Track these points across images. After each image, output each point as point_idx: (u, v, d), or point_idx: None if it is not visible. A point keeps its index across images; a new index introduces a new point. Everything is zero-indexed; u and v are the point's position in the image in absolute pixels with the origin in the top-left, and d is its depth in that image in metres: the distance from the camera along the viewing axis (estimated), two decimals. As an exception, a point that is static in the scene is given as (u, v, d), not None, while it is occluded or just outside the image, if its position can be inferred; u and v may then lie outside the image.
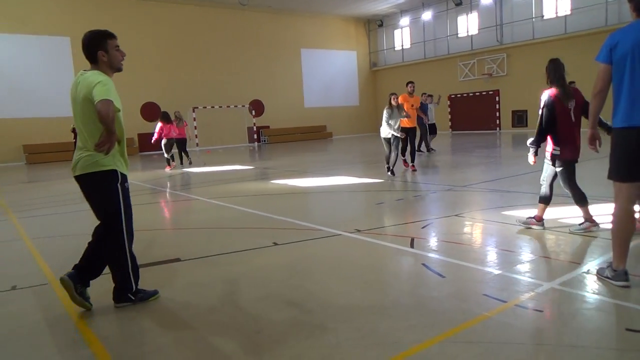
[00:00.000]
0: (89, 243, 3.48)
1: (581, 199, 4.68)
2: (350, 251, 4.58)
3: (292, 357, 2.54)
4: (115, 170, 3.32)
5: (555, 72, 4.65)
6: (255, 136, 27.15)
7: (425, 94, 16.71)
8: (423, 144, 15.44)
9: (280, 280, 3.78)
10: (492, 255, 4.24)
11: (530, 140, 4.82)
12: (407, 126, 10.31)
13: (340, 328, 2.85)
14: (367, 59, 33.60)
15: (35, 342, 2.96)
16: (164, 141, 14.34)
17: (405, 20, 30.36)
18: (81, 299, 3.34)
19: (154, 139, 14.49)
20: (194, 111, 24.72)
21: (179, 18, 25.47)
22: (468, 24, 27.40)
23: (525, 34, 24.51)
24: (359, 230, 5.24)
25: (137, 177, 12.95)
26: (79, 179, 3.35)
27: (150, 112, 24.81)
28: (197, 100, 25.37)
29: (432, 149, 15.39)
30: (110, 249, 3.40)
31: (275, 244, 4.92)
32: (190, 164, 15.17)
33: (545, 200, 4.84)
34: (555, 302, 3.11)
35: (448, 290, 3.38)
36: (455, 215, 5.81)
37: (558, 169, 4.72)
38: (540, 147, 4.79)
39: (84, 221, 7.49)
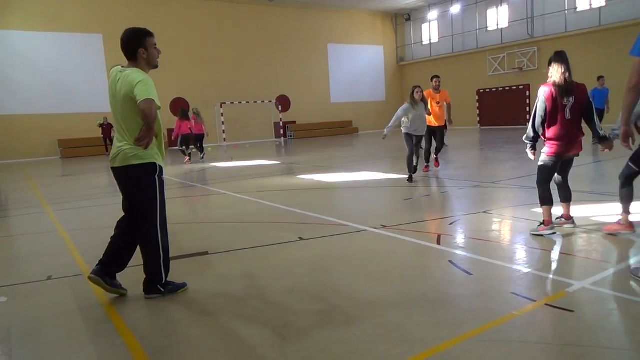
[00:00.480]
0: (112, 237, 3.60)
1: (545, 200, 4.55)
2: (376, 247, 4.57)
3: (317, 351, 2.56)
4: (154, 163, 3.45)
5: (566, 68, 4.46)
6: (282, 131, 27.27)
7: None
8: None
9: (306, 275, 3.81)
10: (520, 253, 4.16)
11: (524, 135, 4.69)
12: (434, 125, 9.36)
13: (365, 323, 2.85)
14: (394, 54, 33.29)
15: (69, 330, 3.06)
16: (180, 137, 14.96)
17: (433, 14, 29.94)
18: (114, 289, 3.49)
19: (173, 135, 15.13)
20: (221, 107, 24.98)
21: (206, 14, 25.74)
22: (498, 17, 26.82)
23: (557, 26, 23.84)
24: (385, 226, 5.23)
25: (166, 172, 13.17)
26: (118, 170, 3.47)
27: (179, 107, 25.24)
28: (224, 96, 25.63)
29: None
30: (144, 240, 3.49)
31: (301, 238, 4.95)
32: (202, 160, 15.51)
33: (561, 199, 4.76)
34: (586, 302, 3.04)
35: (475, 288, 3.34)
36: (483, 212, 5.73)
37: (539, 162, 4.57)
38: (536, 141, 4.62)
39: (116, 214, 7.69)
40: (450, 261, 3.95)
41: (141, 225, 3.49)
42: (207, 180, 10.89)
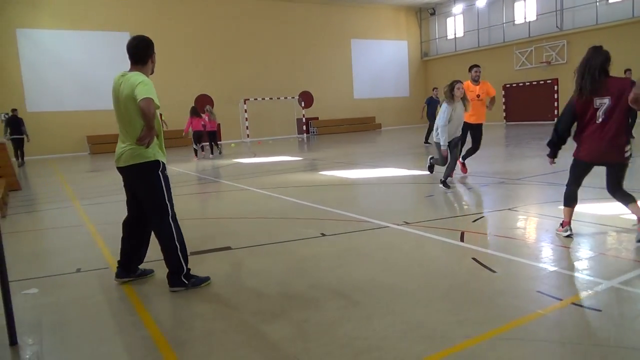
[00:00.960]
0: (123, 239, 3.81)
1: (567, 201, 4.33)
2: (399, 243, 4.55)
3: (338, 346, 2.56)
4: (158, 161, 3.61)
5: (585, 66, 4.03)
6: (305, 127, 27.33)
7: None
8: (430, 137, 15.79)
9: (328, 271, 3.81)
10: (547, 251, 4.08)
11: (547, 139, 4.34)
12: (471, 122, 8.17)
13: (387, 320, 2.84)
14: (418, 49, 32.94)
15: (97, 322, 3.14)
16: (192, 133, 15.67)
17: (458, 8, 29.49)
18: (142, 277, 3.83)
19: (184, 131, 15.98)
20: (245, 103, 25.18)
21: (230, 11, 25.92)
22: (525, 10, 26.24)
23: (587, 19, 23.19)
24: (407, 223, 5.19)
25: (189, 168, 13.38)
26: (124, 170, 3.67)
27: (203, 104, 25.52)
28: (247, 92, 25.81)
29: (429, 143, 15.51)
30: (161, 236, 3.62)
31: (323, 234, 4.95)
32: (220, 154, 16.24)
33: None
34: (615, 301, 2.96)
35: (499, 286, 3.29)
36: (508, 209, 5.64)
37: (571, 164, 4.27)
38: (557, 146, 4.33)
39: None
40: (473, 258, 3.90)
41: (155, 222, 3.63)
42: (230, 176, 11.00)
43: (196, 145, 15.86)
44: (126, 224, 3.81)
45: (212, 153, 16.41)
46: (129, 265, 3.80)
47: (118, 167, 3.69)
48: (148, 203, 3.64)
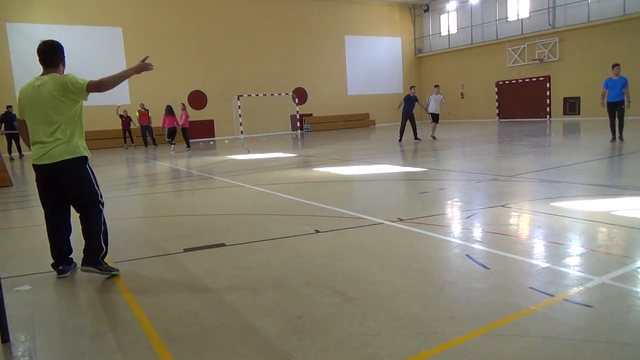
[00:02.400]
0: (56, 236, 3.98)
1: None
2: (393, 240, 4.56)
3: (333, 343, 2.58)
4: (86, 156, 3.88)
5: None
6: (298, 124, 27.30)
7: (437, 86, 16.80)
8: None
9: (322, 267, 3.82)
10: (539, 248, 4.12)
11: None
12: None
13: (381, 316, 2.86)
14: (412, 45, 32.97)
15: (90, 319, 3.13)
16: (166, 129, 17.73)
17: (452, 5, 29.53)
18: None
19: (162, 126, 18.17)
20: (238, 99, 25.09)
21: (223, 7, 25.78)
22: (518, 7, 26.32)
23: (580, 16, 23.32)
24: (401, 219, 5.21)
25: (184, 164, 13.33)
26: (53, 165, 3.74)
27: (197, 100, 25.47)
28: (241, 89, 25.72)
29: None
30: (95, 224, 3.89)
31: (317, 231, 4.96)
32: (188, 149, 17.88)
33: None
34: (606, 297, 2.99)
35: (492, 282, 3.32)
36: (501, 206, 5.67)
37: None
38: None
39: (137, 205, 7.81)
40: (467, 255, 3.93)
41: (91, 212, 3.89)
42: (223, 172, 10.97)
43: (171, 141, 17.88)
44: (57, 220, 3.97)
45: (188, 147, 18.16)
46: (69, 256, 4.03)
47: (44, 164, 3.74)
48: (83, 195, 3.87)
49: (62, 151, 3.70)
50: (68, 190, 3.85)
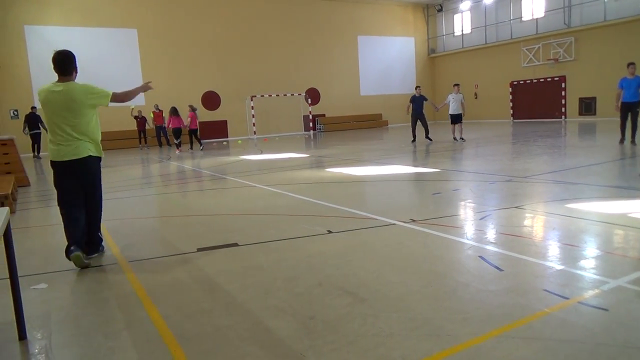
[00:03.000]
0: (78, 223, 4.32)
1: None
2: (405, 241, 4.55)
3: (345, 344, 2.58)
4: (99, 157, 4.46)
5: None
6: (311, 124, 27.32)
7: (457, 84, 16.22)
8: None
9: (334, 268, 3.82)
10: (554, 250, 4.07)
11: None
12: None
13: (393, 317, 2.85)
14: (425, 45, 32.81)
15: (105, 317, 3.17)
16: (172, 129, 18.49)
17: (465, 4, 29.31)
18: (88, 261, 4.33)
19: (167, 126, 19.51)
20: (251, 100, 25.19)
21: (236, 8, 25.92)
22: (533, 7, 26.04)
23: (596, 15, 22.99)
24: (414, 220, 5.19)
25: (198, 164, 13.43)
26: (74, 162, 4.25)
27: (211, 100, 25.65)
28: (254, 89, 25.83)
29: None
30: (98, 215, 4.54)
31: (330, 231, 4.96)
32: (201, 150, 18.51)
33: None
34: (622, 301, 2.95)
35: (506, 284, 3.29)
36: (515, 207, 5.62)
37: None
38: None
39: (151, 205, 7.89)
40: (480, 256, 3.90)
41: (98, 204, 4.52)
42: (237, 172, 11.03)
43: (176, 140, 18.56)
44: (76, 211, 4.32)
45: (191, 148, 18.87)
46: (80, 241, 4.27)
47: (65, 161, 4.23)
48: (95, 189, 4.47)
49: (84, 148, 4.26)
50: (85, 183, 4.36)
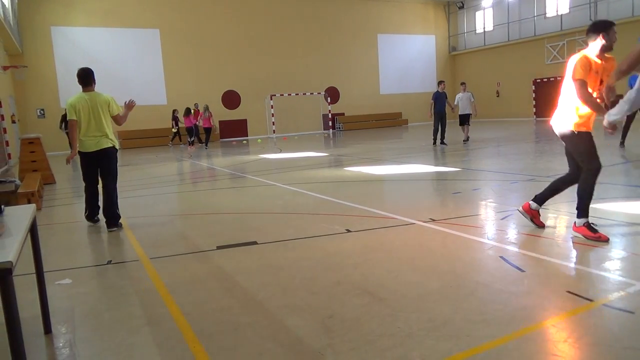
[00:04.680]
0: (94, 199, 5.90)
1: None
2: (424, 241, 4.51)
3: (363, 343, 2.57)
4: (116, 147, 5.87)
5: None
6: (330, 123, 27.30)
7: (463, 83, 15.59)
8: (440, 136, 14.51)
9: (353, 267, 3.82)
10: (577, 251, 3.99)
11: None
12: None
13: (412, 317, 2.83)
14: (446, 43, 32.46)
15: (127, 313, 3.23)
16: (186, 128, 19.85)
17: (488, 1, 28.90)
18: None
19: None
20: (271, 99, 25.31)
21: (256, 8, 26.06)
22: (558, 3, 25.53)
23: (623, 10, 22.40)
24: (433, 220, 5.15)
25: (218, 163, 13.55)
26: (99, 151, 5.67)
27: (231, 100, 25.86)
28: (274, 88, 25.94)
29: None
30: (115, 193, 5.75)
31: (348, 230, 4.96)
32: (205, 149, 19.12)
33: None
34: (649, 304, 2.88)
35: (527, 285, 3.23)
36: (538, 207, 5.51)
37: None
38: None
39: (172, 203, 8.00)
40: (501, 257, 3.84)
41: (113, 185, 5.76)
42: (256, 171, 11.10)
43: (189, 139, 19.90)
44: (95, 189, 5.88)
45: (206, 146, 19.51)
46: (97, 211, 5.94)
47: (92, 151, 5.67)
48: (112, 173, 5.79)
49: (108, 141, 5.71)
50: (104, 167, 5.76)
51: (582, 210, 4.13)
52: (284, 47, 26.76)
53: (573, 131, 4.22)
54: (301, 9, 27.16)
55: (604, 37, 4.09)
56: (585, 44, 4.36)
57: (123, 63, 23.33)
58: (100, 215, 5.88)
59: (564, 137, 4.37)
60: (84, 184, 5.88)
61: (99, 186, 5.85)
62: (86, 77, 5.66)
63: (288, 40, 26.85)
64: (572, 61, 4.18)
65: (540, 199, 4.61)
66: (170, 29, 24.06)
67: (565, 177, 4.59)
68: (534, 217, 4.64)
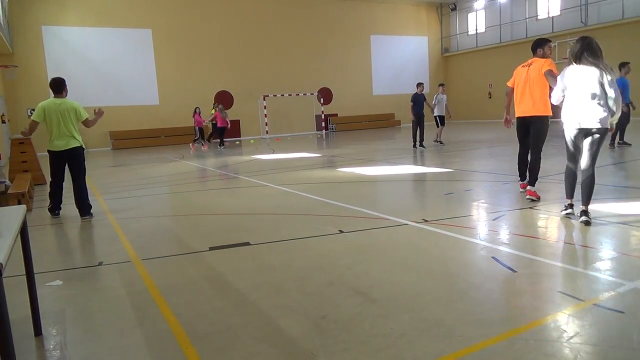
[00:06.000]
0: (58, 189, 6.72)
1: None
2: (417, 241, 4.53)
3: (356, 343, 2.57)
4: (83, 147, 6.64)
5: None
6: (323, 124, 27.29)
7: (442, 84, 15.45)
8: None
9: (346, 268, 3.82)
10: (568, 251, 4.02)
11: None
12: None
13: (405, 318, 2.84)
14: (439, 45, 32.60)
15: (118, 314, 3.21)
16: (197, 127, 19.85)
17: (480, 3, 29.07)
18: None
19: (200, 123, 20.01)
20: (264, 99, 25.27)
21: (249, 7, 26.01)
22: (549, 5, 25.72)
23: (613, 13, 22.63)
24: (426, 221, 5.16)
25: (210, 164, 13.50)
26: (67, 151, 6.43)
27: (224, 100, 25.79)
28: (267, 89, 25.90)
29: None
30: (85, 187, 6.57)
31: (341, 231, 4.96)
32: (221, 147, 19.19)
33: None
34: (638, 303, 2.90)
35: (519, 286, 3.25)
36: (530, 208, 5.56)
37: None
38: None
39: (164, 204, 7.96)
40: (493, 257, 3.86)
41: (83, 180, 6.54)
42: (249, 172, 11.08)
43: (195, 137, 19.97)
44: (60, 185, 6.69)
45: (222, 145, 19.51)
46: (60, 205, 6.76)
47: (61, 150, 6.41)
48: (81, 168, 6.55)
49: (75, 142, 6.46)
50: (73, 164, 6.52)
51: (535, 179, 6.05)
52: (277, 48, 26.74)
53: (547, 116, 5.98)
54: (294, 9, 27.15)
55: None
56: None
57: (115, 63, 23.19)
58: (73, 207, 6.64)
59: (540, 120, 6.05)
60: (49, 180, 6.71)
61: (64, 183, 6.70)
62: (57, 86, 6.48)
63: (281, 41, 26.83)
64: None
65: (531, 179, 6.08)
66: (163, 29, 23.95)
67: (523, 155, 6.38)
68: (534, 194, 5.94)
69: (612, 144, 11.05)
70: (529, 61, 6.08)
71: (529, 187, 6.02)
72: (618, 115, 4.56)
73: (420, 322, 2.77)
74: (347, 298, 3.20)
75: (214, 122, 19.99)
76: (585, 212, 4.64)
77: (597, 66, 4.51)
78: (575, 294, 3.04)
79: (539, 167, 6.02)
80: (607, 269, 3.50)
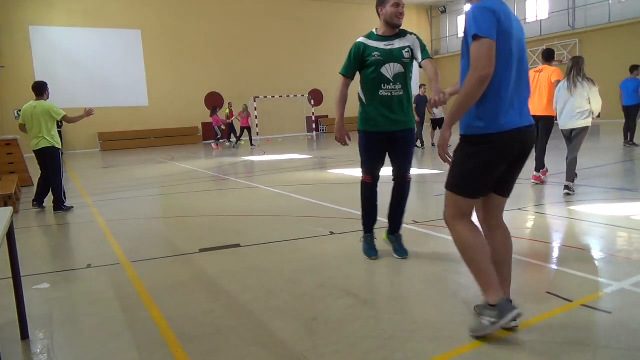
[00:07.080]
0: (42, 186, 7.27)
1: None
2: (408, 243, 4.53)
3: (346, 345, 2.57)
4: (59, 148, 7.04)
5: None
6: (314, 125, 27.32)
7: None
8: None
9: (336, 269, 3.82)
10: (557, 252, 4.05)
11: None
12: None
13: (395, 319, 2.84)
14: (429, 47, 32.77)
15: (107, 317, 3.17)
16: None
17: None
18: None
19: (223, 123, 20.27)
20: (254, 101, 25.22)
21: (240, 8, 25.97)
22: (537, 8, 26.00)
23: (600, 17, 22.93)
24: (416, 222, 5.18)
25: (200, 165, 13.44)
26: (41, 150, 6.90)
27: (214, 101, 25.69)
28: (257, 90, 25.86)
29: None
30: (59, 184, 7.01)
31: (332, 233, 4.96)
32: (235, 146, 19.69)
33: None
34: (626, 304, 2.93)
35: (508, 287, 3.27)
36: (518, 209, 5.60)
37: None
38: None
39: (154, 205, 7.90)
40: (483, 258, 3.87)
41: (57, 177, 6.98)
42: (239, 173, 11.04)
43: (221, 136, 20.33)
44: (44, 179, 7.18)
45: (252, 144, 19.82)
46: (42, 199, 7.29)
47: (34, 150, 6.91)
48: (52, 167, 6.96)
49: (45, 142, 6.88)
50: (45, 163, 7.00)
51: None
52: (268, 49, 26.71)
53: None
54: (285, 11, 27.15)
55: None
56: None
57: (104, 64, 23.02)
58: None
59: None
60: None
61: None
62: (38, 89, 6.96)
63: (272, 42, 26.81)
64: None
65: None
66: (153, 30, 23.82)
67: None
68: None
69: (631, 141, 11.46)
70: (540, 67, 7.68)
71: (534, 173, 7.20)
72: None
73: (411, 324, 2.77)
74: (337, 300, 3.20)
75: (230, 122, 20.07)
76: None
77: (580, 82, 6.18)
78: (563, 295, 3.07)
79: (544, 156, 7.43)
80: (595, 270, 3.54)
